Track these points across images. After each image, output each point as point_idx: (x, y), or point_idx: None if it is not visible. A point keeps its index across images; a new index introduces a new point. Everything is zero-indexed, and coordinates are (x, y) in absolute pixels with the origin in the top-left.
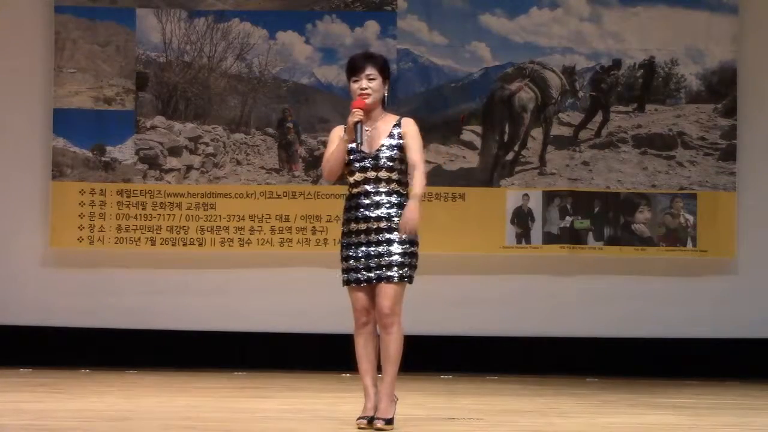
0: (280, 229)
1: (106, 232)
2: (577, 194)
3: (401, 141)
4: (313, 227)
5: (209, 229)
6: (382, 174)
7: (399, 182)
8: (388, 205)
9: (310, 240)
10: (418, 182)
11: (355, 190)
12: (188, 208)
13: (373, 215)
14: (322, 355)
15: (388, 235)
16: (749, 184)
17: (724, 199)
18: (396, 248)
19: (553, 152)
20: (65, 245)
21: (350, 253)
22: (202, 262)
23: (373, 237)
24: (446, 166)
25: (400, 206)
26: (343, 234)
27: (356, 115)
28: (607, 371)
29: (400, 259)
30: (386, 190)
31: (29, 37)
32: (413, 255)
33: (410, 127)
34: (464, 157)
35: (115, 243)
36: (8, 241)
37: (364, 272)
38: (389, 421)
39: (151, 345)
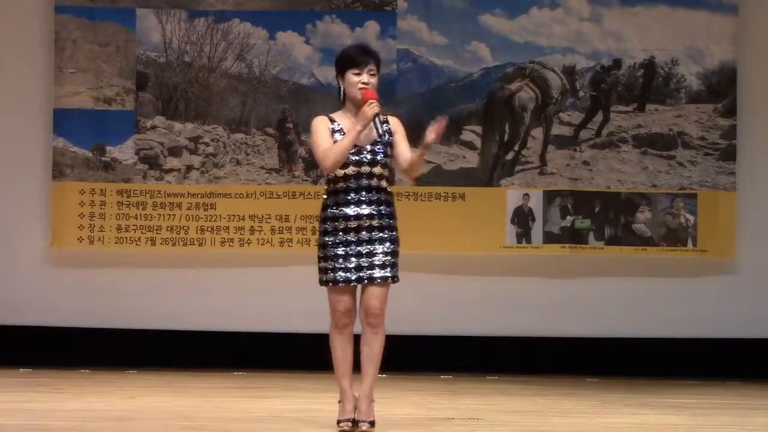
0: (280, 229)
1: (106, 232)
2: (577, 194)
3: (391, 138)
4: (313, 227)
5: (209, 229)
6: (376, 170)
7: (387, 179)
8: (377, 203)
9: (310, 240)
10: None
11: (342, 185)
12: (188, 208)
13: (365, 212)
14: (322, 355)
15: (379, 234)
16: (749, 184)
17: (724, 199)
18: (387, 247)
19: (554, 152)
20: (65, 245)
21: (338, 252)
22: (202, 262)
23: (364, 235)
24: (446, 166)
25: (388, 204)
26: (327, 232)
27: (374, 107)
28: (607, 371)
29: (390, 259)
30: (377, 186)
31: (29, 37)
32: (397, 254)
33: (400, 127)
34: (464, 157)
35: (115, 243)
36: (8, 241)
37: (354, 272)
38: (373, 423)
39: (151, 345)
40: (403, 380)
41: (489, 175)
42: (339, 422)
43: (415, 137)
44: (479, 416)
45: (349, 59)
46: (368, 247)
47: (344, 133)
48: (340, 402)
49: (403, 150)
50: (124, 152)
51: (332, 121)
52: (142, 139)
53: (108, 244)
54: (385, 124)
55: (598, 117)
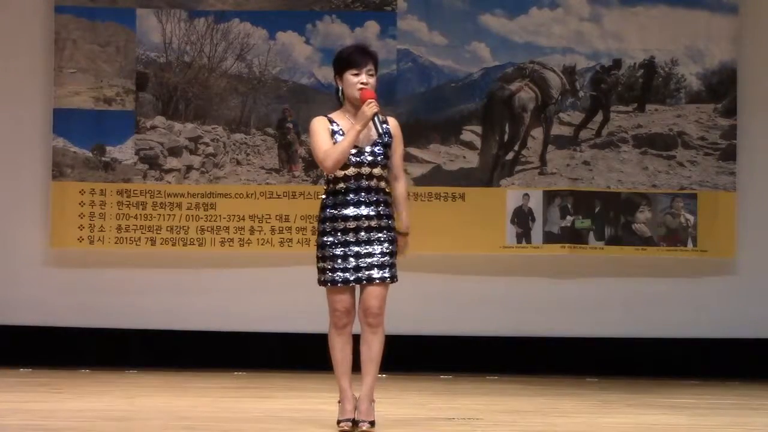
0: (280, 229)
1: (106, 232)
2: (577, 194)
3: (390, 140)
4: (313, 227)
5: (209, 229)
6: (376, 170)
7: (385, 180)
8: (377, 203)
9: (310, 240)
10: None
11: (342, 185)
12: (188, 208)
13: (364, 213)
14: (322, 355)
15: (378, 234)
16: (749, 184)
17: (724, 199)
18: (385, 247)
19: (554, 152)
20: (65, 245)
21: (337, 252)
22: (202, 262)
23: (362, 236)
24: (446, 166)
25: (387, 205)
26: (326, 232)
27: (373, 106)
28: (607, 371)
29: (388, 259)
30: (376, 186)
31: (29, 37)
32: (395, 254)
33: (398, 130)
34: (464, 157)
35: (115, 243)
36: (8, 241)
37: (354, 272)
38: (373, 423)
39: (151, 345)
40: (403, 380)
41: (489, 175)
42: (339, 422)
43: (414, 137)
44: (479, 416)
45: (347, 60)
46: (367, 247)
47: (344, 134)
48: (339, 402)
49: (395, 160)
50: (124, 152)
51: (331, 121)
52: (142, 139)
53: (108, 244)
54: (384, 124)
55: (598, 117)
